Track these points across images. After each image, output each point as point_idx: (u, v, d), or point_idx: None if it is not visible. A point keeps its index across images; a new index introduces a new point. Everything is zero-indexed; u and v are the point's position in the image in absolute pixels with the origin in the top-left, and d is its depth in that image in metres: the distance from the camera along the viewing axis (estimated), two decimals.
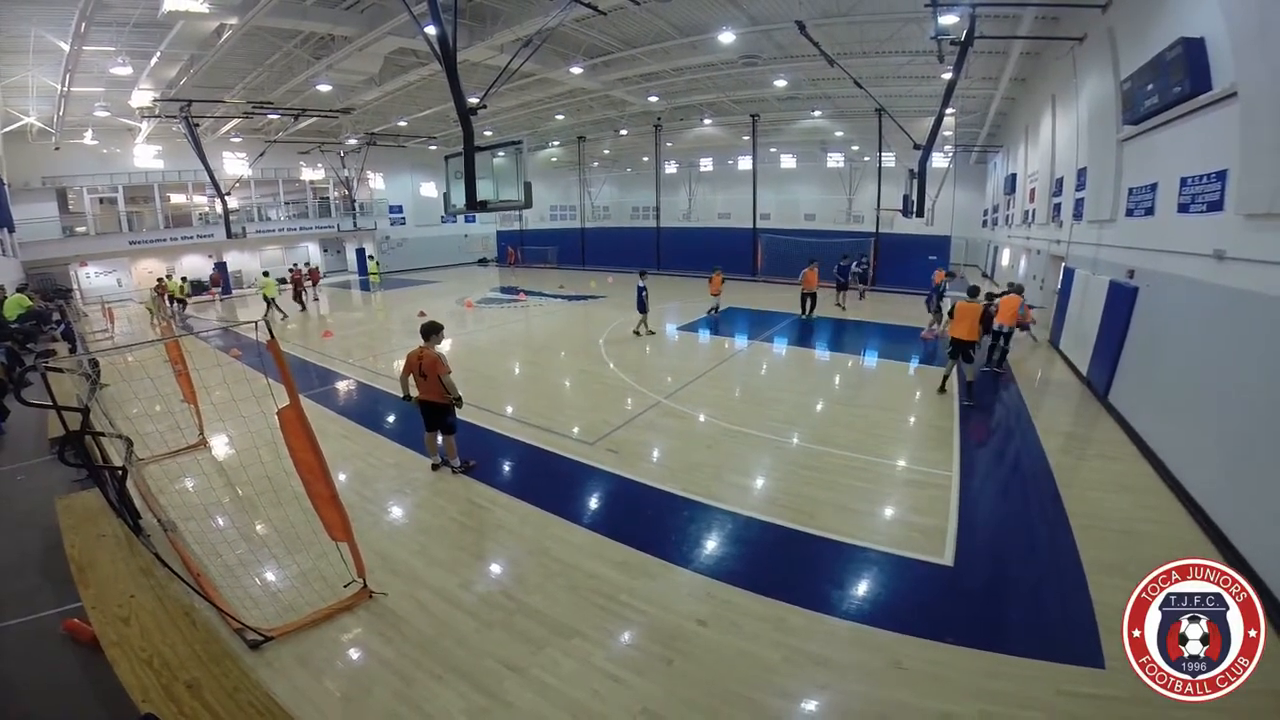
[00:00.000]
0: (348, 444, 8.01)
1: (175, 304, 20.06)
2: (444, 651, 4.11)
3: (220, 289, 26.03)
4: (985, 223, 29.04)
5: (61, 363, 7.76)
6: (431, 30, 9.57)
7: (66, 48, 13.89)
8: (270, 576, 4.99)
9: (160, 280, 20.52)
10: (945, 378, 9.90)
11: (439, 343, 6.77)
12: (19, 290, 15.38)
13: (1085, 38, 11.05)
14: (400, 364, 7.04)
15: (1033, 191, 17.40)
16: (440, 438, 7.08)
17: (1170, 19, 7.42)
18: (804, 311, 17.31)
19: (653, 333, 14.91)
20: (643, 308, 14.30)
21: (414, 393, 6.87)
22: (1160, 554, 5.05)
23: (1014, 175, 20.92)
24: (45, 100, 18.72)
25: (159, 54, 15.08)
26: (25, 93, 17.94)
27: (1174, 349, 7.03)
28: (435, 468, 7.16)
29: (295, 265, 22.84)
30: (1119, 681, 3.58)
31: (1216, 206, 6.19)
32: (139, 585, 3.68)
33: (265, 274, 20.42)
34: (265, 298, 19.54)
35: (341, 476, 6.88)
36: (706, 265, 27.75)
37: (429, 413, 6.89)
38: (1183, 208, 6.99)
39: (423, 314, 18.90)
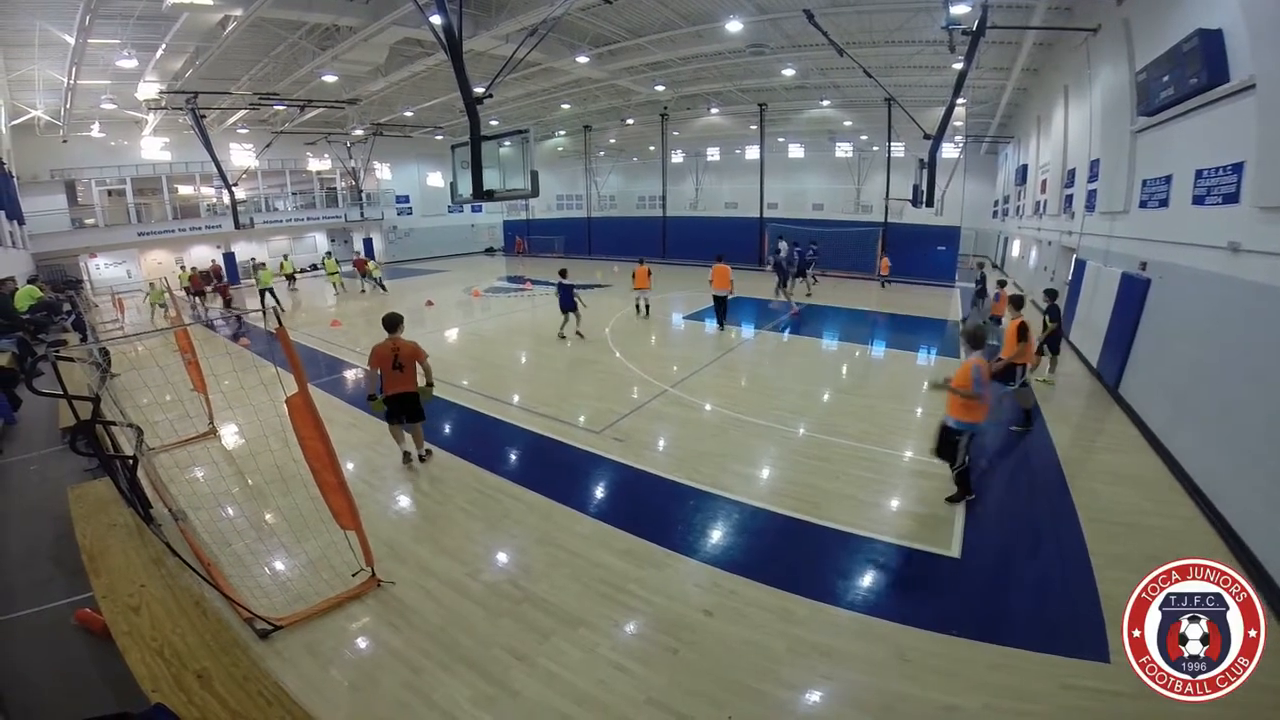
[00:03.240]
0: (356, 432, 8.05)
1: (195, 295, 20.09)
2: (451, 640, 4.14)
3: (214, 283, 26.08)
4: (996, 213, 28.82)
5: (72, 352, 7.81)
6: (437, 20, 9.54)
7: (72, 41, 13.91)
8: (279, 565, 5.03)
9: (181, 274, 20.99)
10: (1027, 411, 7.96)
11: (401, 332, 6.62)
12: (30, 282, 15.47)
13: (1099, 28, 10.91)
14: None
15: (1044, 183, 17.26)
16: (407, 425, 6.87)
17: (1187, 10, 7.32)
18: (719, 322, 13.96)
19: (581, 335, 13.33)
20: (572, 307, 13.15)
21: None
22: (1169, 548, 5.05)
23: (1025, 166, 20.73)
24: (52, 93, 18.76)
25: (164, 46, 15.08)
26: (32, 86, 17.99)
27: (1186, 342, 6.96)
28: (406, 457, 6.98)
29: (194, 267, 22.03)
30: (1124, 676, 3.54)
31: (1232, 198, 6.13)
32: (150, 575, 3.71)
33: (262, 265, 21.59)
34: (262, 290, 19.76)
35: (349, 465, 6.91)
36: (713, 255, 27.80)
37: (401, 405, 6.65)
38: (1197, 200, 6.92)
39: (430, 303, 18.99)
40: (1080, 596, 4.54)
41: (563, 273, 13.29)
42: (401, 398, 6.62)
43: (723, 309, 13.91)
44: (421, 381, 6.74)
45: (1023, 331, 7.58)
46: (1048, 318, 9.45)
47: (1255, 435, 5.19)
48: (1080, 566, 4.91)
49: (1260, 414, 5.15)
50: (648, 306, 15.76)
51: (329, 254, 24.32)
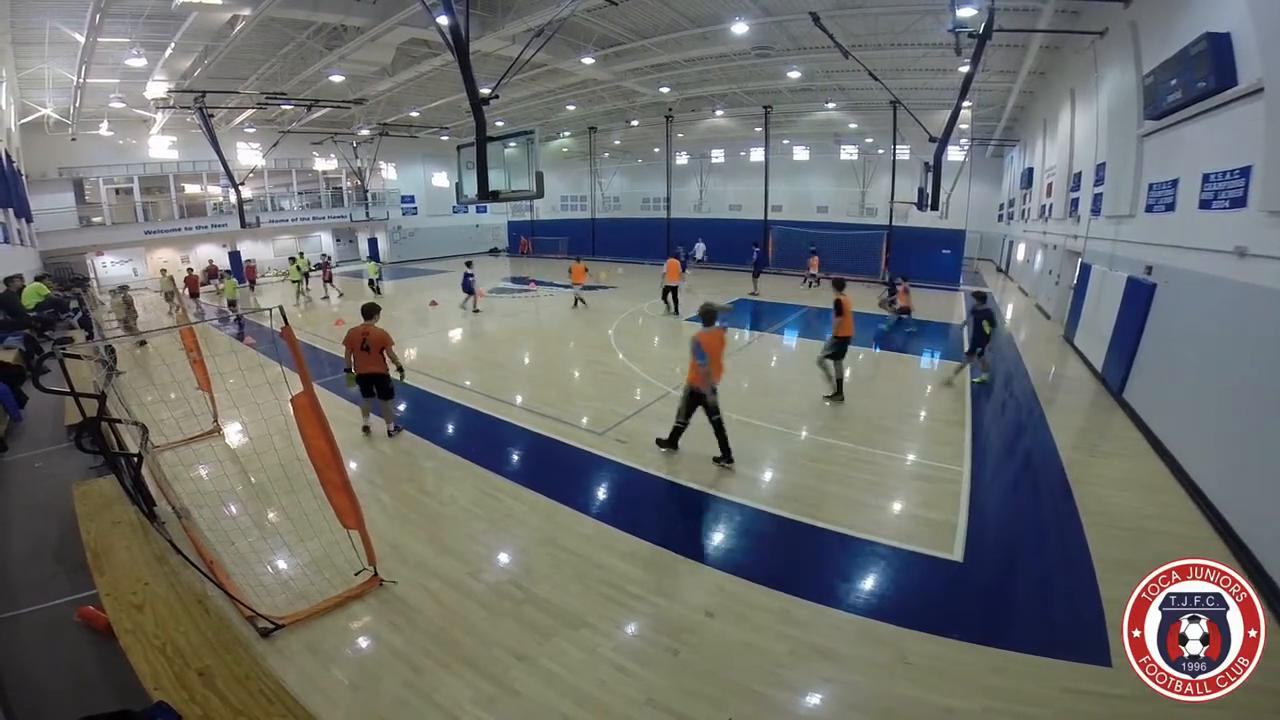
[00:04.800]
0: (359, 432, 8.06)
1: (193, 298, 20.03)
2: (453, 640, 4.15)
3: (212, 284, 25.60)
4: (1001, 217, 28.77)
5: (79, 350, 7.85)
6: (443, 20, 9.56)
7: (82, 39, 14.00)
8: (282, 564, 5.04)
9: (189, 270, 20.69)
10: (838, 380, 9.08)
11: (377, 321, 7.60)
12: (37, 279, 15.56)
13: (1106, 31, 10.88)
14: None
15: (1050, 186, 17.21)
16: (377, 404, 7.79)
17: (1195, 13, 7.30)
18: (670, 308, 16.46)
19: (478, 310, 16.85)
20: (469, 289, 16.88)
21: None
22: (1172, 552, 4.97)
23: (1031, 169, 20.69)
24: (61, 92, 18.90)
25: (173, 45, 15.16)
26: (42, 84, 18.12)
27: (1191, 346, 6.93)
28: (366, 430, 7.90)
29: (190, 269, 20.78)
30: (1125, 680, 3.52)
31: (1239, 203, 6.10)
32: (153, 572, 3.72)
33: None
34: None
35: (353, 464, 6.94)
36: (717, 256, 27.83)
37: (369, 383, 7.61)
38: (1204, 204, 6.89)
39: (434, 303, 19.03)
40: (1082, 600, 4.53)
41: (469, 264, 17.98)
42: (370, 377, 7.55)
43: (674, 296, 16.53)
44: (392, 368, 7.58)
45: (838, 307, 8.85)
46: (986, 323, 9.39)
47: (1261, 440, 5.16)
48: (1083, 570, 4.89)
49: (1265, 419, 5.12)
50: (582, 300, 17.97)
51: (294, 257, 22.19)
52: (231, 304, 17.87)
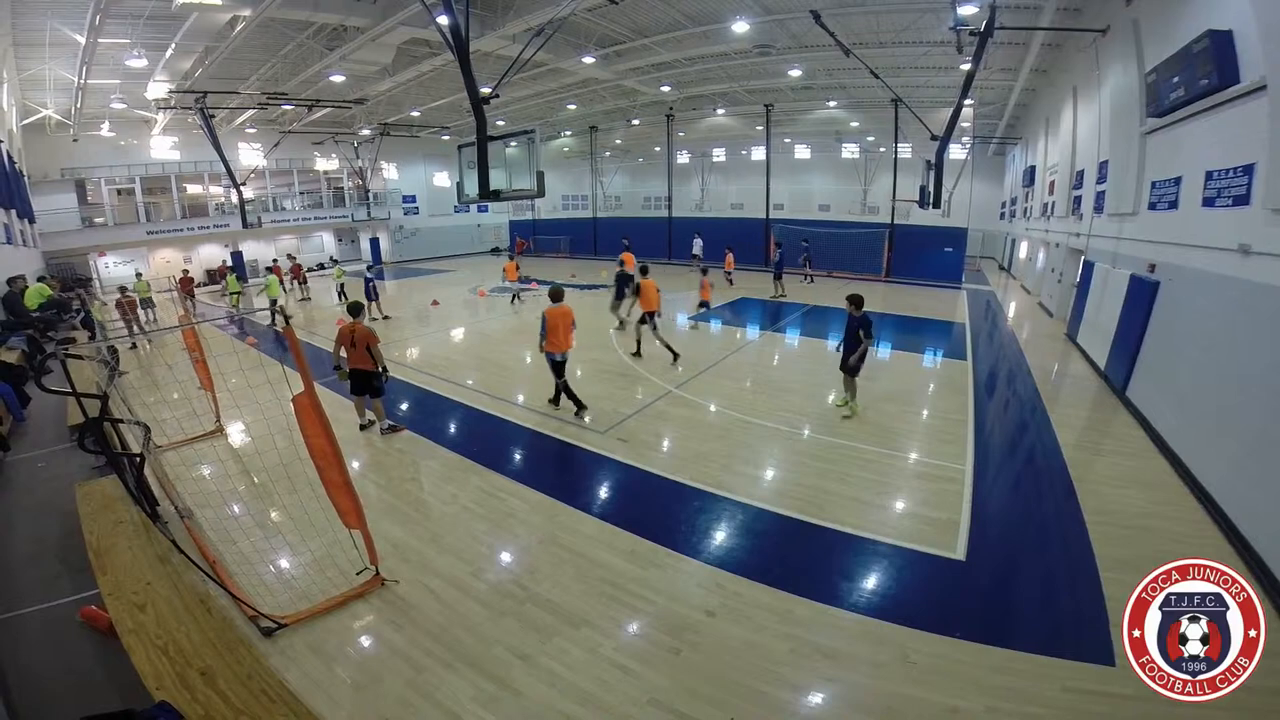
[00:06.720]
0: (359, 430, 8.07)
1: (188, 297, 19.83)
2: (454, 639, 4.15)
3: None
4: (1003, 215, 28.73)
5: (81, 350, 7.86)
6: (444, 20, 9.56)
7: (82, 40, 14.01)
8: (284, 564, 5.05)
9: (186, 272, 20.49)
10: (639, 341, 11.60)
11: (364, 319, 7.92)
12: (39, 280, 15.59)
13: (1108, 29, 10.87)
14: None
15: (1052, 184, 17.19)
16: (369, 401, 7.98)
17: (1197, 11, 7.29)
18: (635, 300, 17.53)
19: (388, 317, 16.56)
20: (374, 297, 16.40)
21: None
22: (1175, 551, 4.97)
23: (1033, 167, 20.66)
24: (63, 93, 18.90)
25: (173, 46, 15.15)
26: (43, 85, 18.12)
27: (1195, 344, 6.92)
28: (363, 428, 8.06)
29: (185, 270, 20.94)
30: (1128, 679, 3.48)
31: (1243, 200, 6.08)
32: (155, 572, 3.73)
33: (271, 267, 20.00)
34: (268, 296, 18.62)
35: (354, 464, 6.95)
36: (717, 255, 27.74)
37: (358, 379, 7.77)
38: (1207, 201, 6.87)
39: (436, 303, 19.03)
40: (1085, 599, 4.52)
41: (369, 267, 18.60)
42: (357, 372, 7.72)
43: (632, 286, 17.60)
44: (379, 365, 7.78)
45: (636, 289, 11.48)
46: (863, 332, 7.86)
47: (1264, 438, 5.15)
48: (1086, 569, 4.88)
49: (1269, 417, 5.10)
50: (517, 296, 18.56)
51: (231, 266, 21.75)
52: (273, 302, 16.61)
